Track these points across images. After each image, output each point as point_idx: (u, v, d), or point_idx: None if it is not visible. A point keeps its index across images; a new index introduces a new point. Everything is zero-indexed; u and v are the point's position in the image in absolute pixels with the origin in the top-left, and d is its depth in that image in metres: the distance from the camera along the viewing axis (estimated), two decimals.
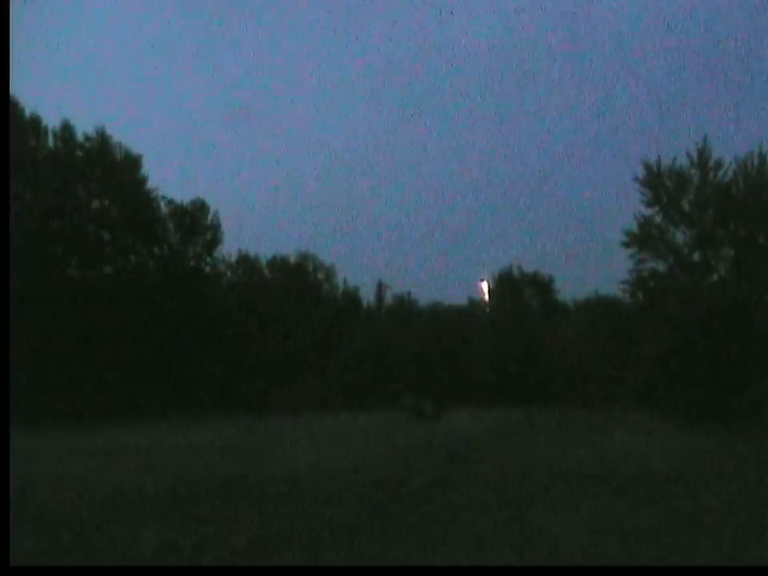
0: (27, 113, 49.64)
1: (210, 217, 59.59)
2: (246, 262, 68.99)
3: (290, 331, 64.64)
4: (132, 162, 54.34)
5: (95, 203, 53.19)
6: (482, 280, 75.18)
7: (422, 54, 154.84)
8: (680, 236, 40.29)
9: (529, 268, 78.22)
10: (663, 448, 22.53)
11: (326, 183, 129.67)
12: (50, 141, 50.84)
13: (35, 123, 49.96)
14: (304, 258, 73.14)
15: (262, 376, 59.78)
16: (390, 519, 11.33)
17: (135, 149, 54.42)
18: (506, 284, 77.76)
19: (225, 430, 33.52)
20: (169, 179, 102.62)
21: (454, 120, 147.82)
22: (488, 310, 75.86)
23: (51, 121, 51.20)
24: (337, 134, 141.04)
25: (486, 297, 75.42)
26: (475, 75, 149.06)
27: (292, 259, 72.22)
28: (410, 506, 12.42)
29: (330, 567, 8.93)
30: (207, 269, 61.25)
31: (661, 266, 41.23)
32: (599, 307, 67.73)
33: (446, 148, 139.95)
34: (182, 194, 66.95)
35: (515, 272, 78.76)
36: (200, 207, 59.32)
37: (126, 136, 77.43)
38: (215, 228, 59.88)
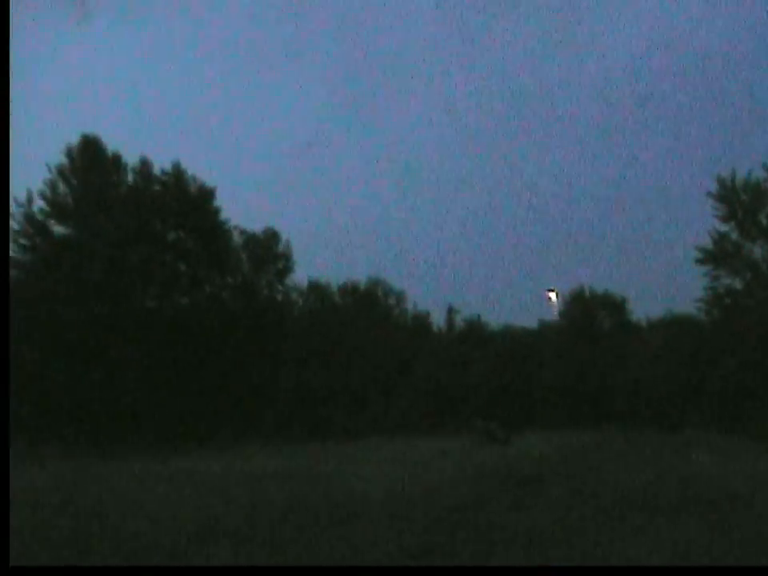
0: (109, 150, 51.58)
1: (281, 245, 60.80)
2: (317, 289, 69.95)
3: (362, 357, 65.17)
4: (206, 194, 55.83)
5: (172, 235, 54.78)
6: (550, 290, 74.13)
7: (487, 72, 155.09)
8: (757, 251, 39.44)
9: (600, 288, 77.35)
10: (744, 470, 22.01)
11: (395, 208, 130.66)
12: (130, 176, 52.71)
13: (116, 160, 51.87)
14: (374, 283, 73.78)
15: (334, 402, 60.35)
16: (463, 544, 11.22)
17: (209, 181, 56.07)
18: (577, 305, 77.01)
19: (299, 455, 33.83)
20: (241, 209, 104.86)
21: (521, 142, 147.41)
22: (556, 314, 74.91)
23: (131, 157, 53.14)
24: (404, 160, 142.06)
25: (555, 304, 74.16)
26: (545, 95, 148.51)
27: (362, 285, 72.92)
28: (484, 531, 12.28)
29: (330, 567, 9.02)
30: (279, 297, 62.34)
31: (737, 283, 40.45)
32: (674, 326, 66.58)
33: (514, 170, 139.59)
34: (254, 224, 68.29)
35: (586, 292, 78.01)
36: (271, 236, 60.54)
37: (199, 169, 79.40)
38: (287, 256, 61.07)
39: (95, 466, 28.52)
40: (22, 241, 48.34)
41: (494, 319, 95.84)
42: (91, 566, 9.34)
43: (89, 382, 46.00)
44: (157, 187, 54.22)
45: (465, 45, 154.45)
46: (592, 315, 76.90)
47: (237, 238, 58.90)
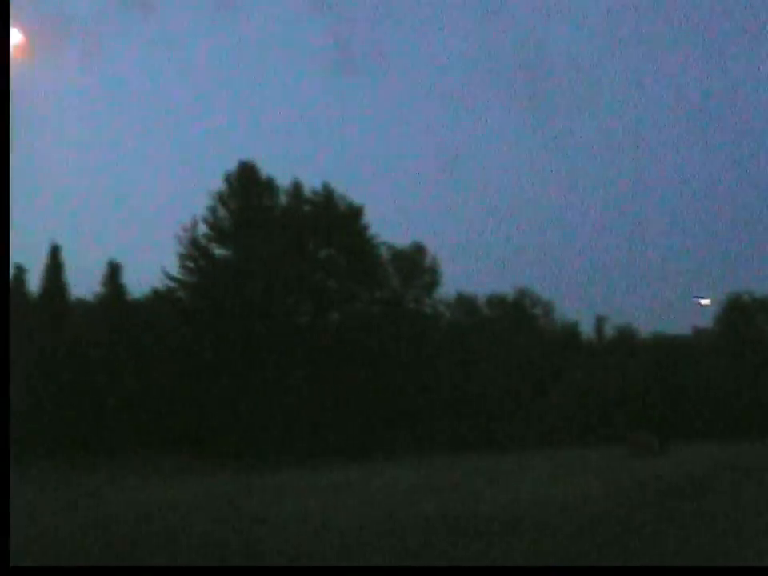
0: (263, 175, 54.48)
1: (428, 259, 61.88)
2: (464, 302, 70.61)
3: (509, 368, 65.18)
4: (354, 212, 57.72)
5: (322, 253, 57.00)
6: (703, 296, 71.02)
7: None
8: None
9: (760, 293, 74.07)
10: None
11: (543, 219, 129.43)
12: (283, 199, 55.44)
13: (270, 184, 54.71)
14: (522, 294, 73.74)
15: (482, 413, 60.64)
16: (617, 556, 10.93)
17: (357, 199, 58.03)
18: (735, 310, 74.03)
19: (448, 467, 34.20)
20: (389, 225, 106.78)
21: (674, 144, 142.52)
22: (711, 320, 71.92)
23: (284, 180, 55.90)
24: (550, 173, 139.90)
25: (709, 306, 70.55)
26: (717, 101, 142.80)
27: (510, 296, 73.03)
28: (638, 544, 12.04)
29: (330, 567, 9.32)
30: (427, 310, 63.31)
31: None
32: None
33: (665, 175, 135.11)
34: (402, 239, 69.54)
35: (745, 297, 74.88)
36: (419, 251, 61.75)
37: (348, 187, 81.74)
38: (434, 270, 62.03)
39: (254, 478, 30.00)
40: (188, 264, 51.89)
41: (646, 327, 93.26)
42: (92, 565, 9.75)
43: (246, 397, 48.52)
44: (308, 207, 56.64)
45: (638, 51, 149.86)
46: (751, 320, 73.74)
47: (385, 254, 60.47)
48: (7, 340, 8.52)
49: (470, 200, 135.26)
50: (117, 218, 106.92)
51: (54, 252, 47.25)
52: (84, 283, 61.89)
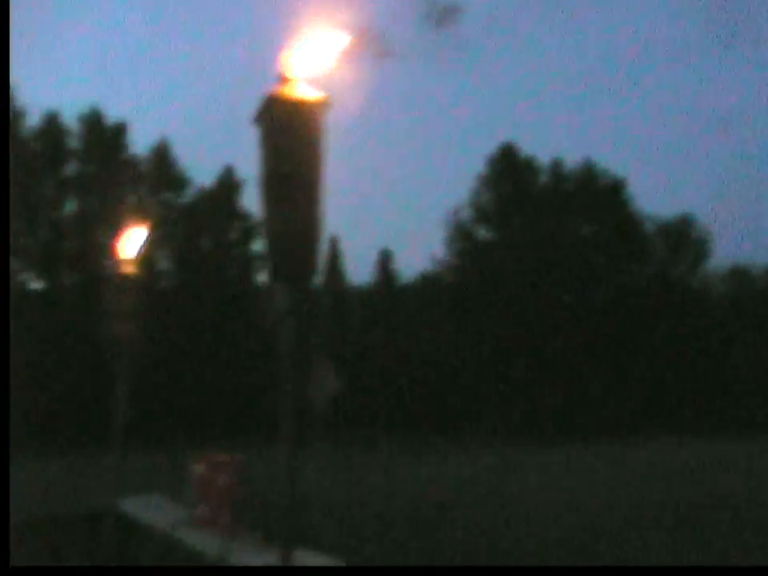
0: (523, 155, 55.06)
1: (697, 231, 59.21)
2: (738, 274, 66.63)
3: None
4: (617, 186, 56.62)
5: (585, 229, 56.54)
6: None
7: None
8: None
9: None
10: None
11: None
12: (544, 177, 55.59)
13: (529, 164, 55.23)
14: None
15: (757, 392, 57.15)
16: None
17: (621, 172, 57.02)
18: None
19: (715, 449, 32.19)
20: (654, 197, 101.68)
21: None
22: None
23: (544, 159, 56.16)
24: None
25: None
26: None
27: None
28: None
29: (329, 567, 9.41)
30: (696, 284, 60.77)
31: None
32: None
33: None
34: (671, 211, 66.77)
35: None
36: (686, 222, 59.21)
37: (607, 161, 79.32)
38: (703, 242, 59.26)
39: (510, 455, 30.39)
40: (454, 247, 54.17)
41: None
42: (91, 566, 10.36)
43: (507, 375, 49.61)
44: (569, 185, 56.31)
45: None
46: None
47: (650, 227, 58.66)
48: (7, 335, 8.30)
49: (744, 165, 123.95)
50: (388, 207, 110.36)
51: (333, 243, 50.85)
52: (360, 271, 65.58)
